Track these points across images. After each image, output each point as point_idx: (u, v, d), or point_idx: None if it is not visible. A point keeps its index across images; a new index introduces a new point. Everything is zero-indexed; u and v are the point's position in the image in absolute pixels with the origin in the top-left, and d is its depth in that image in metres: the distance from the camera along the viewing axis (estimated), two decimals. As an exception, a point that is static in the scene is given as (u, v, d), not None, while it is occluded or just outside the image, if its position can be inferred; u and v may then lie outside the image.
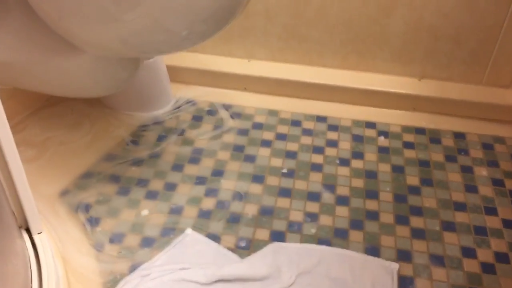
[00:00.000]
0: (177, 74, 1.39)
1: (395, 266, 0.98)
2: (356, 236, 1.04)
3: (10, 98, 1.29)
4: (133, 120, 1.30)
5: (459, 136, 1.28)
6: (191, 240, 1.02)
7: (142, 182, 1.14)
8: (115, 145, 1.23)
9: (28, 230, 0.94)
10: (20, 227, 0.93)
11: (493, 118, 1.31)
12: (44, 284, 0.86)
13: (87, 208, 1.08)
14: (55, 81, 1.08)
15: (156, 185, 1.14)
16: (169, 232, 1.03)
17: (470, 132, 1.29)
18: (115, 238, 1.02)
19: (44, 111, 1.31)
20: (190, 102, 1.37)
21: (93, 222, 1.05)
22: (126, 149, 1.22)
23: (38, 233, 0.93)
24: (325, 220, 1.07)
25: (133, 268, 0.96)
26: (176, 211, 1.08)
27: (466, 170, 1.19)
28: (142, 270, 0.96)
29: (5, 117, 0.78)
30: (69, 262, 0.97)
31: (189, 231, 1.04)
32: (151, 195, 1.11)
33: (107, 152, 1.21)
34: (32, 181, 0.98)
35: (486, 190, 1.14)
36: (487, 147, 1.25)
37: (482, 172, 1.18)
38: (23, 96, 1.30)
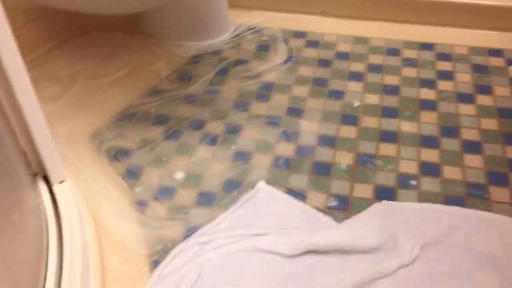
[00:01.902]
0: (237, -4, 1.11)
1: None
2: (499, 194, 0.73)
3: (32, 27, 1.05)
4: (183, 50, 1.02)
5: None
6: (266, 197, 0.74)
7: (196, 124, 0.87)
8: (161, 80, 0.96)
9: (46, 180, 0.69)
10: (35, 174, 0.68)
11: None
12: (65, 252, 0.61)
13: (125, 155, 0.82)
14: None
15: (215, 127, 0.86)
16: (235, 186, 0.76)
17: None
18: (163, 194, 0.75)
19: (72, 42, 1.05)
20: (253, 29, 1.08)
21: (134, 173, 0.79)
22: (176, 84, 0.95)
23: (60, 182, 0.68)
24: (450, 172, 0.76)
25: (188, 234, 0.70)
26: (243, 158, 0.80)
27: None
28: (201, 235, 0.69)
29: (11, 36, 0.54)
30: (102, 226, 0.71)
31: (262, 185, 0.76)
32: (209, 139, 0.84)
33: (152, 88, 0.94)
34: (55, 120, 0.74)
35: None
36: None
37: None
38: (47, 24, 1.05)
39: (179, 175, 0.78)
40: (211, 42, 1.04)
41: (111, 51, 1.02)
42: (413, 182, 0.75)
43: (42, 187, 0.67)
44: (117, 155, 0.82)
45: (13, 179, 0.59)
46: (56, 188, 0.67)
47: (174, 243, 0.68)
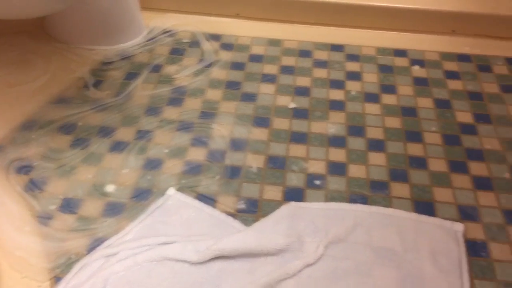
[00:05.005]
0: (149, -1, 1.09)
1: (458, 227, 0.71)
2: (400, 189, 0.76)
3: None
4: (95, 55, 0.99)
5: (514, 62, 1.01)
6: (175, 204, 0.74)
7: (106, 131, 0.84)
8: (70, 87, 0.92)
9: None
10: None
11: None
12: (-46, 275, 0.57)
13: (27, 167, 0.78)
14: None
15: (125, 134, 0.84)
16: (144, 194, 0.75)
17: (527, 56, 1.02)
18: (68, 206, 0.73)
19: (-27, 47, 1.00)
20: (166, 32, 1.06)
21: (37, 185, 0.76)
22: (85, 92, 0.92)
23: (-51, 201, 0.64)
24: (356, 171, 0.79)
25: (94, 246, 0.68)
26: (153, 165, 0.79)
27: (531, 102, 0.92)
28: (107, 248, 0.68)
29: None
30: (0, 243, 0.68)
31: (171, 191, 0.75)
32: (118, 147, 0.82)
33: (59, 96, 0.90)
34: None
35: (561, 125, 0.87)
36: (551, 73, 0.98)
37: (551, 103, 0.92)
38: None
39: (86, 186, 0.76)
40: (123, 46, 1.01)
41: (21, 57, 0.97)
42: (320, 182, 0.77)
43: None
44: (18, 167, 0.78)
45: None
46: None
47: (79, 256, 0.66)
